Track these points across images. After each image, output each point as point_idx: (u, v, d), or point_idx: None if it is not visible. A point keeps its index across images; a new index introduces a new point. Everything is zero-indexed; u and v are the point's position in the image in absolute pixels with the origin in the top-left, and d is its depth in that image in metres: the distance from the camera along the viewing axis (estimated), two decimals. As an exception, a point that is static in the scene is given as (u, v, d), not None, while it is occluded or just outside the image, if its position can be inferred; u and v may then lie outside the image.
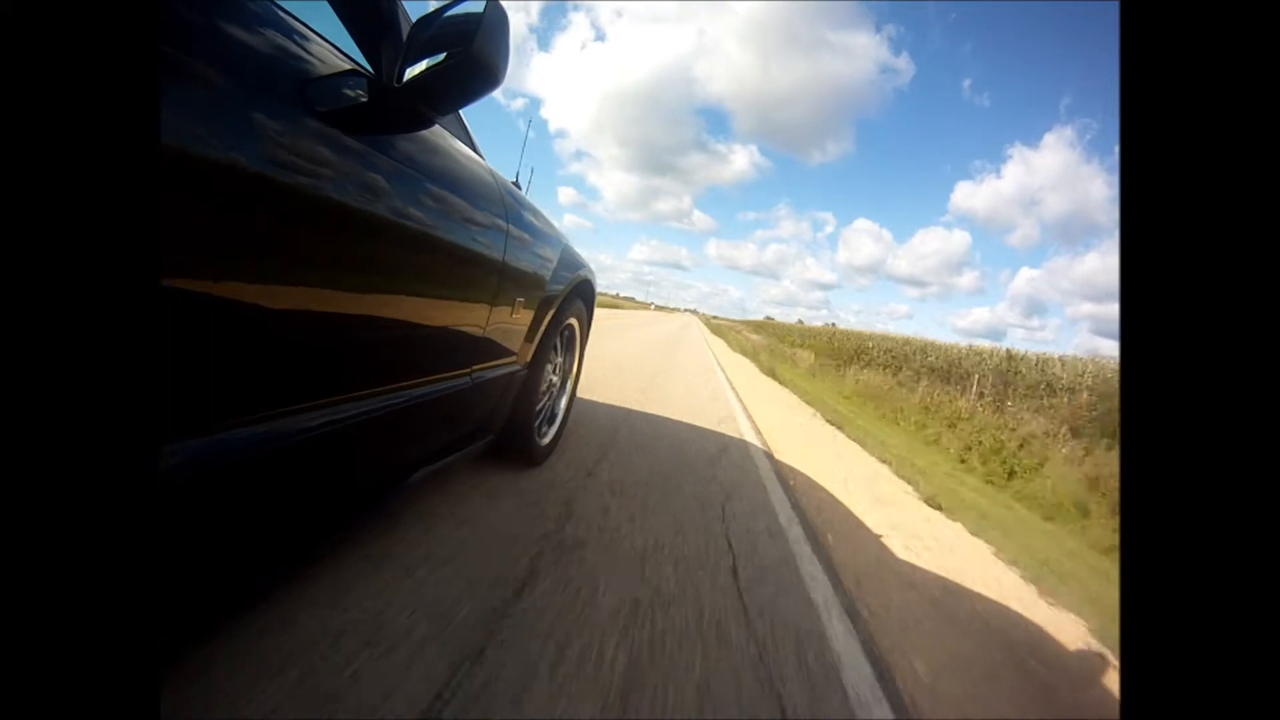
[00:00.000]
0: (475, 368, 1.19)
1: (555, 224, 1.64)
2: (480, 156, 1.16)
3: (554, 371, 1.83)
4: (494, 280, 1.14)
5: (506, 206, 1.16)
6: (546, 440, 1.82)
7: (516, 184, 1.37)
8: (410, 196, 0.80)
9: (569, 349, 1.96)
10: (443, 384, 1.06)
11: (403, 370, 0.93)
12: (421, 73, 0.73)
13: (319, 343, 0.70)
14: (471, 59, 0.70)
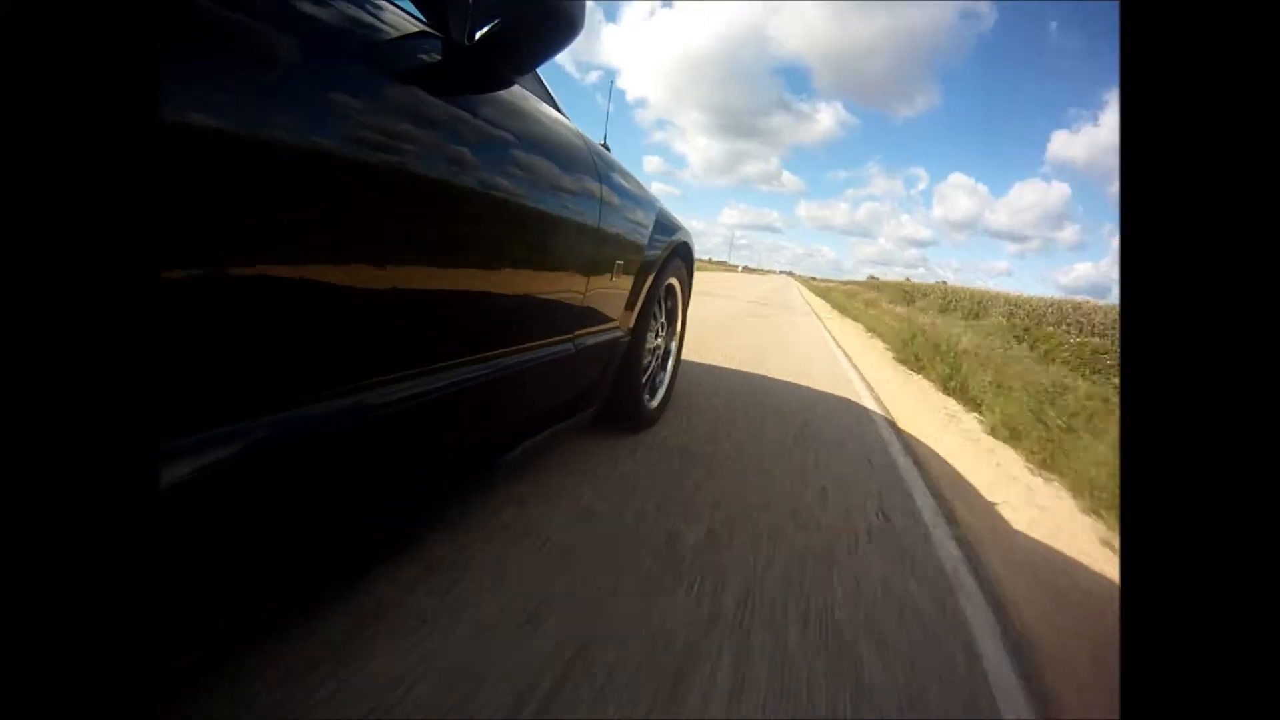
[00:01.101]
0: (578, 333, 1.17)
1: (647, 188, 1.61)
2: (565, 117, 1.12)
3: (657, 336, 1.83)
4: (590, 244, 1.10)
5: (598, 169, 1.13)
6: (654, 405, 1.84)
7: (605, 146, 1.33)
8: (495, 162, 0.76)
9: (671, 313, 1.96)
10: (545, 350, 1.03)
11: (499, 338, 0.90)
12: (494, 27, 0.69)
13: (409, 313, 0.67)
14: (545, 7, 0.66)
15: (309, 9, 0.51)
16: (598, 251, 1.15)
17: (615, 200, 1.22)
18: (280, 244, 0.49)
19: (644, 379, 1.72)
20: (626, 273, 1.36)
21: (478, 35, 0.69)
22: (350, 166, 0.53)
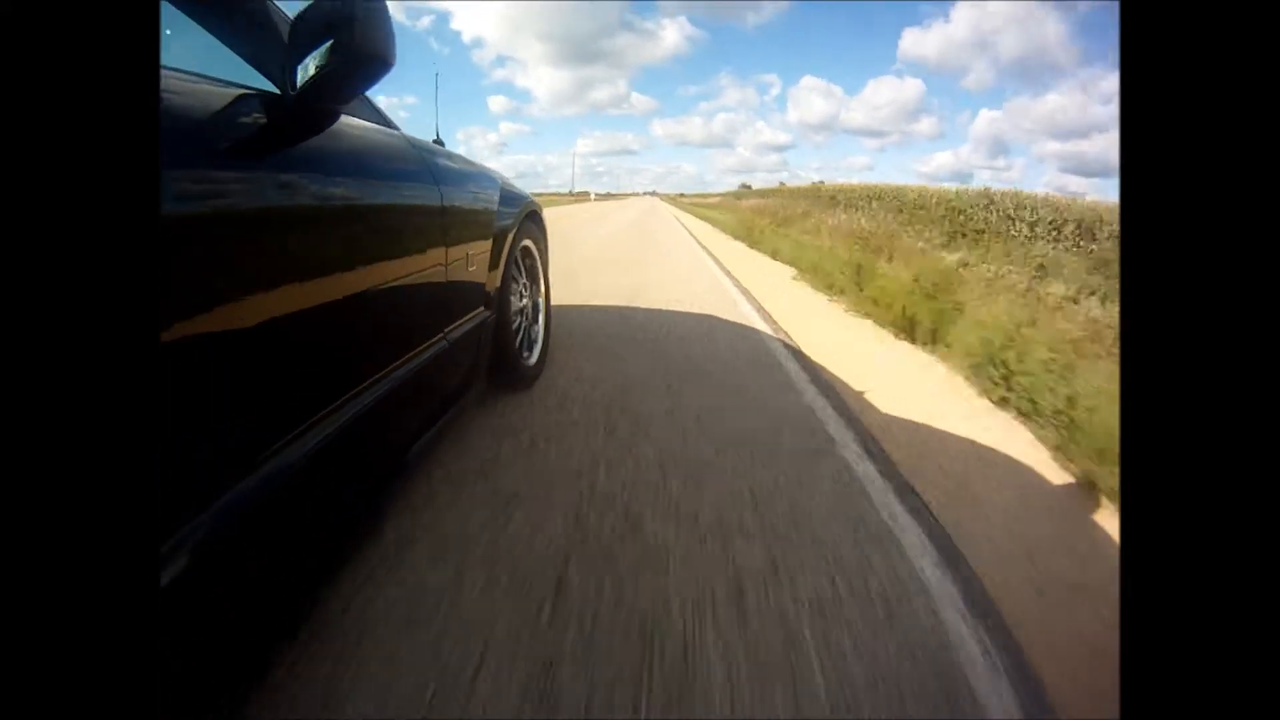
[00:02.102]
0: (448, 329, 1.23)
1: (487, 168, 1.71)
2: (392, 126, 1.17)
3: (522, 297, 1.92)
4: (439, 242, 1.17)
5: (432, 170, 1.18)
6: (533, 361, 1.95)
7: (438, 141, 1.40)
8: (337, 194, 0.80)
9: (533, 275, 2.04)
10: (421, 355, 1.09)
11: (376, 362, 0.94)
12: (314, 76, 0.73)
13: (290, 368, 0.70)
14: (355, 54, 0.70)
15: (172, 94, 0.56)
16: (449, 247, 1.21)
17: (455, 193, 1.27)
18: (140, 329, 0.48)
19: (519, 339, 1.83)
20: (481, 255, 1.43)
21: (299, 79, 0.73)
22: (195, 227, 0.54)
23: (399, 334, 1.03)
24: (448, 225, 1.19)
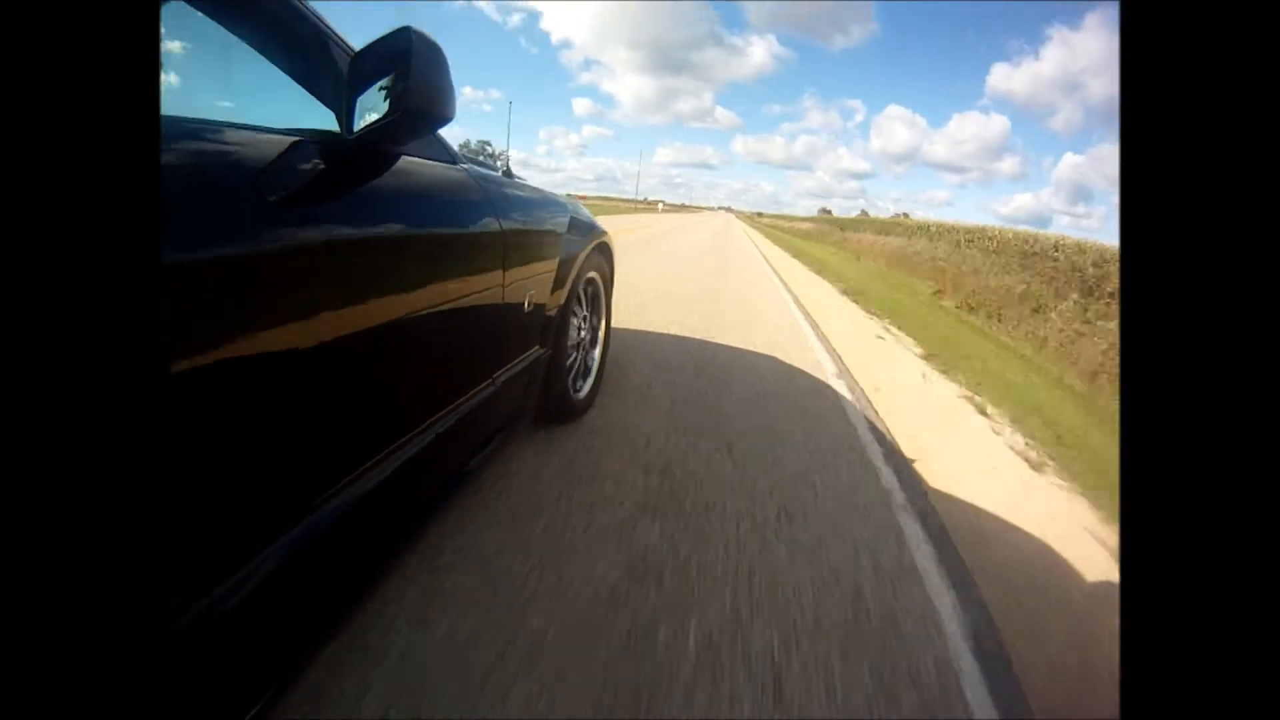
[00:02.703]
0: (496, 373, 1.20)
1: (558, 196, 1.66)
2: (455, 160, 1.14)
3: (581, 329, 1.88)
4: (497, 281, 1.12)
5: (495, 205, 1.15)
6: (583, 394, 1.89)
7: (507, 172, 1.36)
8: (390, 239, 0.79)
9: (594, 305, 2.01)
10: (468, 402, 1.07)
11: (421, 408, 0.93)
12: (372, 124, 0.73)
13: (335, 417, 0.71)
14: (412, 106, 0.70)
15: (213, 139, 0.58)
16: (506, 285, 1.17)
17: (517, 226, 1.24)
18: (195, 383, 0.49)
19: (572, 373, 1.78)
20: (542, 288, 1.39)
21: (358, 123, 0.73)
22: (260, 283, 0.55)
23: (444, 380, 1.01)
24: (508, 261, 1.16)
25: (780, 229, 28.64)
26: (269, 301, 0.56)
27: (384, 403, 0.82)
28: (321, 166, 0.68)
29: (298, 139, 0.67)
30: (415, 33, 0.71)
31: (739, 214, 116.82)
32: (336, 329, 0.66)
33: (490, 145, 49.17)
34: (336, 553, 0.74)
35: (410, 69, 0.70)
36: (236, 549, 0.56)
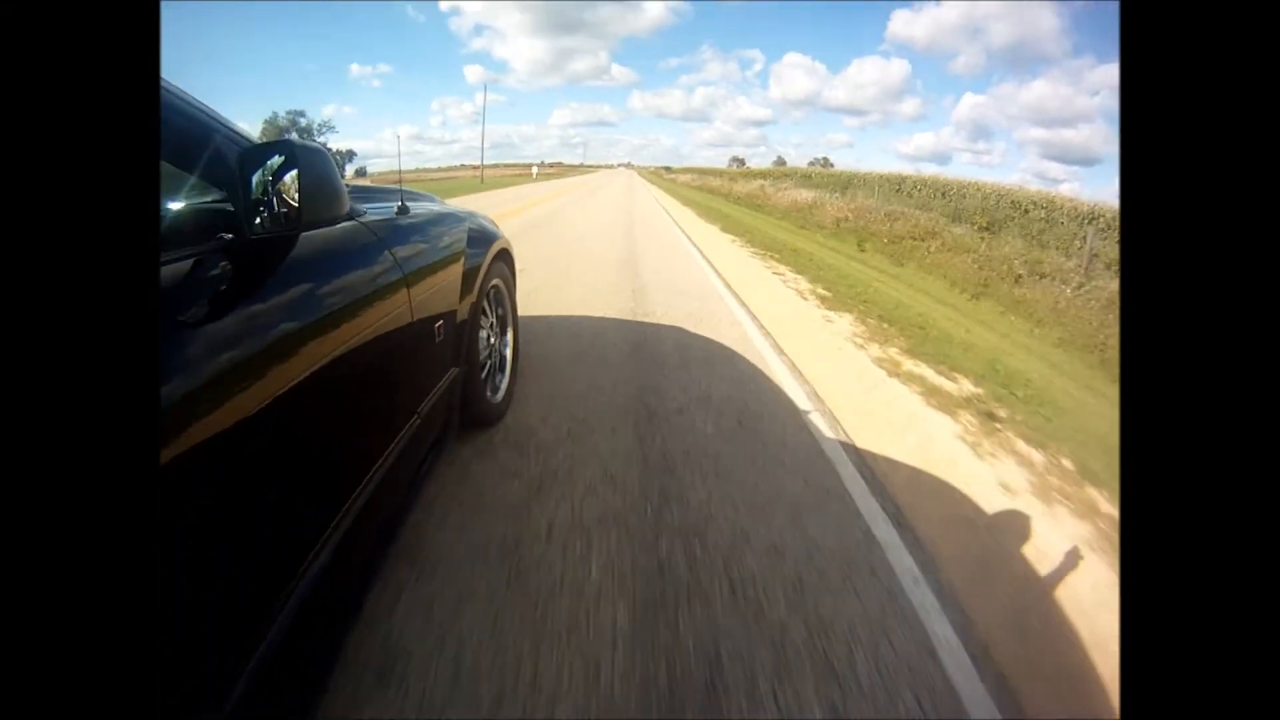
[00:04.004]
0: (420, 406, 1.24)
1: (455, 210, 1.74)
2: (350, 214, 1.12)
3: (491, 336, 1.92)
4: (407, 318, 1.16)
5: (390, 245, 1.18)
6: (499, 399, 1.94)
7: (403, 209, 1.36)
8: (308, 312, 0.81)
9: (500, 311, 2.06)
10: (399, 443, 1.10)
11: (364, 465, 0.97)
12: (273, 228, 0.79)
13: (277, 498, 0.73)
14: (309, 220, 0.75)
15: None
16: (416, 320, 1.20)
17: (419, 262, 1.27)
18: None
19: (485, 379, 1.81)
20: (448, 310, 1.42)
21: (257, 226, 0.77)
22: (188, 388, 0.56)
23: (375, 432, 1.04)
24: (414, 297, 1.19)
25: (692, 186, 24.40)
26: (211, 409, 0.58)
27: (330, 470, 0.87)
28: (229, 269, 0.72)
29: (198, 255, 0.69)
30: (297, 145, 0.78)
31: (641, 170, 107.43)
32: (275, 416, 0.69)
33: (304, 117, 44.78)
34: (311, 634, 0.77)
35: (301, 181, 0.77)
36: (221, 647, 0.60)
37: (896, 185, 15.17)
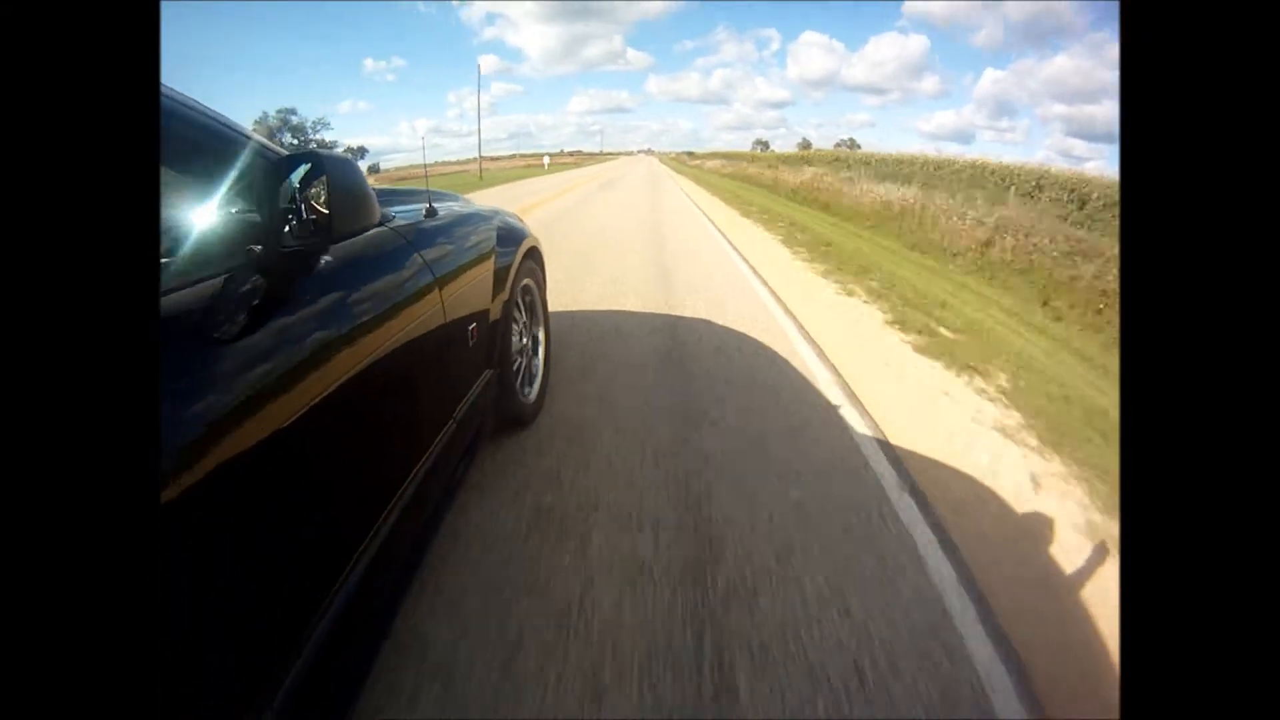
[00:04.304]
0: (456, 411, 1.24)
1: (482, 209, 1.72)
2: (381, 220, 1.12)
3: (523, 336, 1.91)
4: (440, 322, 1.15)
5: (420, 249, 1.17)
6: (531, 399, 1.91)
7: (430, 211, 1.33)
8: (341, 323, 0.80)
9: (532, 310, 2.04)
10: (437, 448, 1.11)
11: (403, 471, 0.98)
12: (304, 238, 0.79)
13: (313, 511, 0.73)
14: (341, 231, 0.75)
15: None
16: (450, 323, 1.19)
17: (449, 264, 1.26)
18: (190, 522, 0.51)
19: (519, 380, 1.80)
20: (480, 311, 1.41)
21: (289, 238, 0.78)
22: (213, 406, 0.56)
23: (414, 439, 1.04)
24: (446, 300, 1.18)
25: (749, 182, 17.37)
26: (247, 423, 0.58)
27: (366, 481, 0.87)
28: (262, 284, 0.72)
29: (229, 271, 0.68)
30: (324, 155, 0.78)
31: (662, 157, 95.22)
32: (312, 429, 0.69)
33: (295, 114, 40.89)
34: (347, 648, 0.78)
35: (330, 192, 0.76)
36: (259, 665, 0.60)
37: (977, 178, 10.65)
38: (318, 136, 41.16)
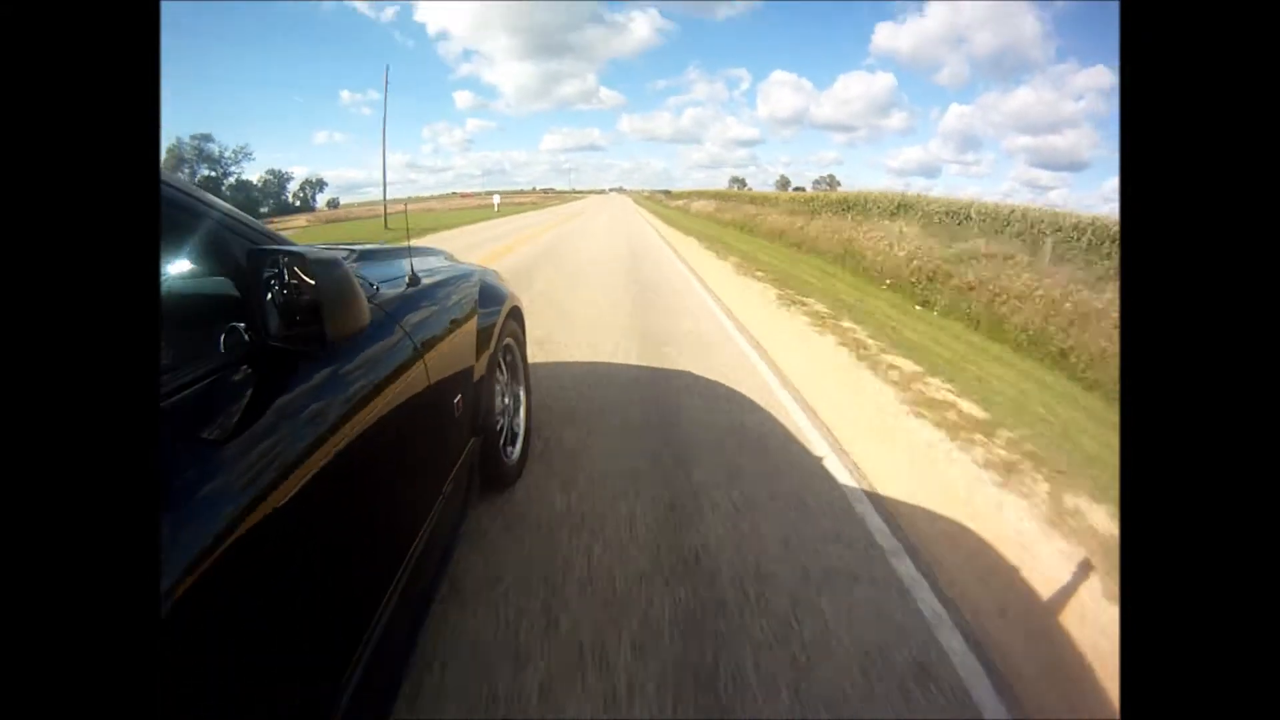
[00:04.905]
0: (444, 485, 1.23)
1: (464, 267, 1.75)
2: (367, 291, 1.10)
3: (505, 395, 1.90)
4: (428, 398, 1.14)
5: (402, 320, 1.15)
6: (514, 459, 1.88)
7: (413, 279, 1.31)
8: (330, 412, 0.80)
9: (513, 369, 2.02)
10: (426, 531, 1.10)
11: (400, 552, 0.98)
12: (291, 334, 0.77)
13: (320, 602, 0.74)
14: (333, 336, 0.74)
15: None
16: (436, 391, 1.18)
17: (433, 335, 1.24)
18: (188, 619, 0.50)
19: (502, 439, 1.78)
20: (463, 378, 1.40)
21: (275, 332, 0.76)
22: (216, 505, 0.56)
23: (406, 518, 1.04)
24: (430, 372, 1.16)
25: (750, 233, 14.24)
26: (250, 519, 0.58)
27: (361, 575, 0.87)
28: (254, 378, 0.73)
29: (215, 371, 0.68)
30: (311, 259, 0.75)
31: (635, 195, 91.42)
32: (311, 522, 0.70)
33: (211, 141, 36.22)
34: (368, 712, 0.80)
35: (322, 298, 0.73)
36: None
37: (997, 218, 8.44)
38: (237, 169, 37.02)
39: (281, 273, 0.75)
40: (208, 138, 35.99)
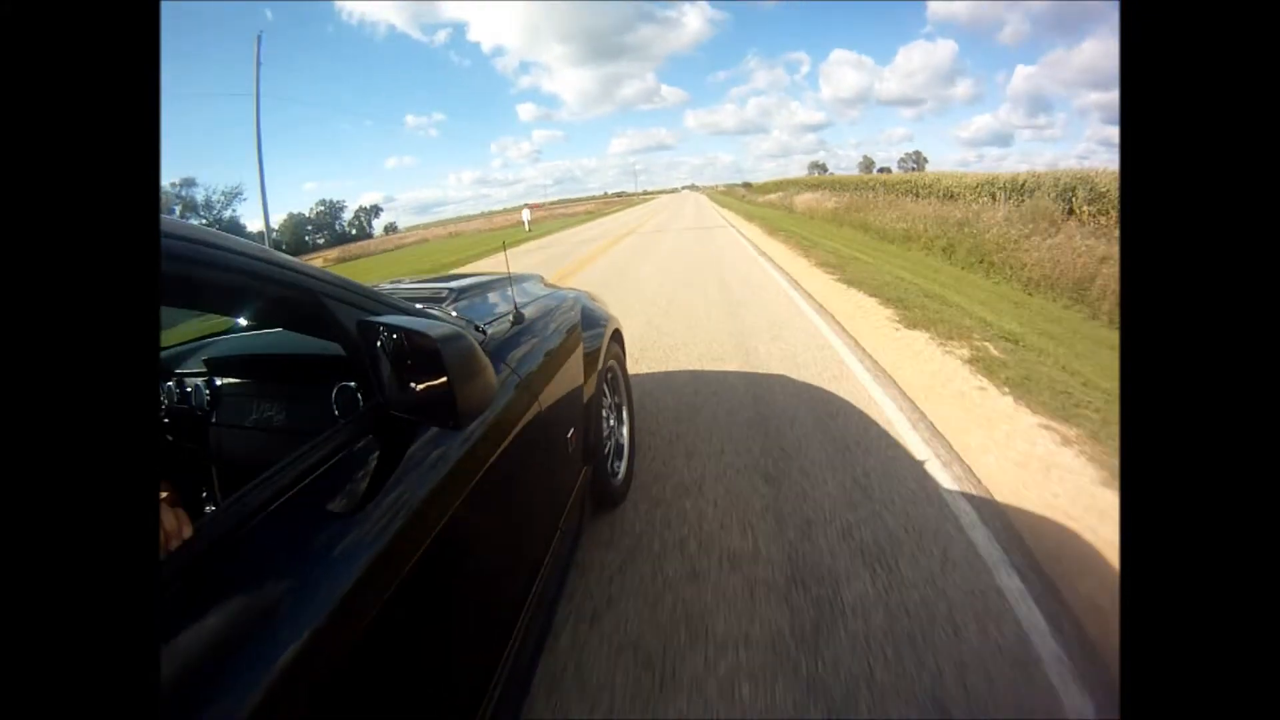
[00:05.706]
0: (560, 521, 1.25)
1: (564, 293, 1.75)
2: (479, 331, 1.13)
3: (610, 416, 1.90)
4: (542, 435, 1.15)
5: (508, 360, 1.14)
6: (619, 480, 1.88)
7: (518, 317, 1.29)
8: (453, 476, 0.82)
9: (614, 387, 2.05)
10: (545, 569, 1.13)
11: (524, 590, 1.02)
12: (418, 408, 0.76)
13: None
14: (464, 413, 0.73)
15: None
16: (549, 429, 1.19)
17: (539, 370, 1.23)
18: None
19: (608, 460, 1.80)
20: (574, 408, 1.40)
21: (398, 403, 0.77)
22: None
23: (524, 570, 1.06)
24: (542, 408, 1.16)
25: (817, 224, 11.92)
26: (389, 587, 0.63)
27: (484, 628, 0.90)
28: (379, 447, 0.75)
29: (340, 451, 0.71)
30: (437, 335, 0.70)
31: (709, 191, 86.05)
32: (440, 583, 0.75)
33: (194, 186, 36.26)
34: None
35: (452, 376, 0.71)
36: None
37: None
38: (230, 211, 36.14)
39: (401, 343, 0.73)
40: (191, 181, 36.42)
